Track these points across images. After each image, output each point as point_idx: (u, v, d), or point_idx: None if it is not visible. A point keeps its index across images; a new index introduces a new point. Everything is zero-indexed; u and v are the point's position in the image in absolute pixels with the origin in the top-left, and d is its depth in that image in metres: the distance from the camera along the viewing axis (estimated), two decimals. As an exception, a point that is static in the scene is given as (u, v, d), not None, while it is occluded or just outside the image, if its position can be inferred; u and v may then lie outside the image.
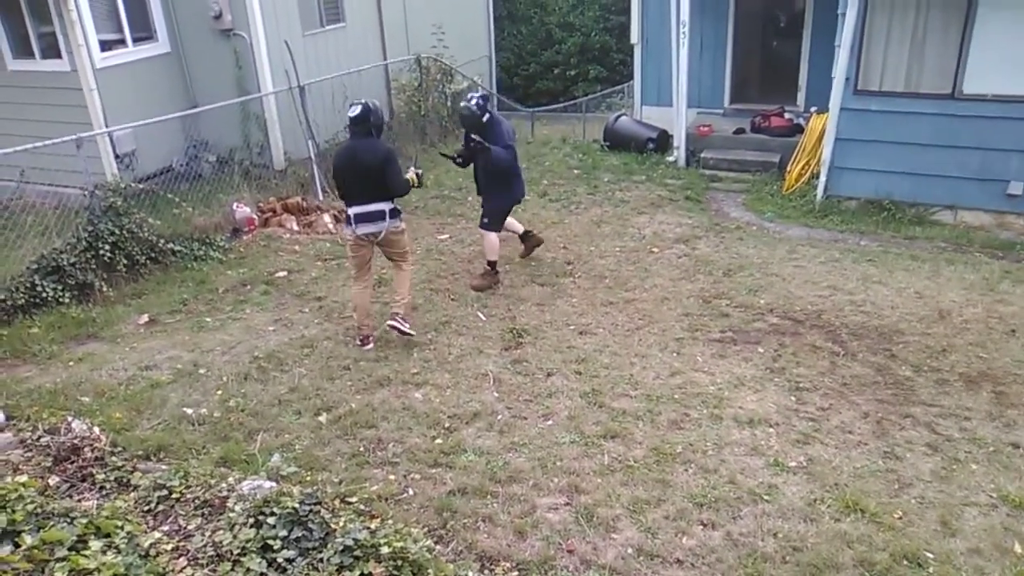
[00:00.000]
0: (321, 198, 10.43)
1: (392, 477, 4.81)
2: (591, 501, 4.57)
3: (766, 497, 4.59)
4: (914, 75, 9.09)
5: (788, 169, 10.72)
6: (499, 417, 5.46)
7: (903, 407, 5.55)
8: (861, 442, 5.14)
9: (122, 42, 10.66)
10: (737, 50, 12.76)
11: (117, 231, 7.77)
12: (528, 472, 4.84)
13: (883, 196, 9.51)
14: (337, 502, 4.28)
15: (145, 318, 7.21)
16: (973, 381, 5.88)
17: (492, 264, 7.77)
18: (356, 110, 6.26)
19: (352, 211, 6.38)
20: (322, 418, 5.48)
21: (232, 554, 3.64)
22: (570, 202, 10.34)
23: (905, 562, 4.08)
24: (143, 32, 10.96)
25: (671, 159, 11.98)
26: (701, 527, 4.37)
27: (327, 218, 9.66)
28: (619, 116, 13.24)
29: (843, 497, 4.57)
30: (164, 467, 4.68)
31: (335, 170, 6.63)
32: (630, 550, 4.19)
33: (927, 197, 9.42)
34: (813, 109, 11.01)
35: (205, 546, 3.74)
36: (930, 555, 4.14)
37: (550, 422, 5.41)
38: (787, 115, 11.77)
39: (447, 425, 5.38)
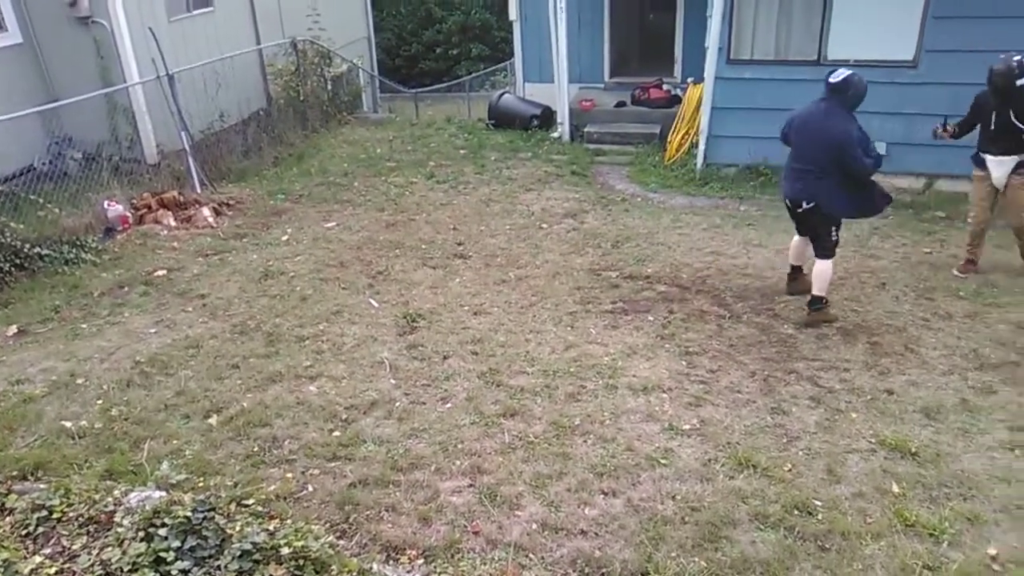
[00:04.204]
0: (199, 191, 10.02)
1: (290, 475, 4.68)
2: (494, 481, 4.58)
3: (663, 461, 4.71)
4: (783, 43, 9.44)
5: (669, 140, 10.98)
6: (397, 404, 5.40)
7: (787, 363, 5.80)
8: (750, 400, 5.34)
9: (-34, 34, 9.92)
10: (615, 24, 12.96)
11: (-25, 238, 7.26)
12: (430, 457, 4.81)
13: (759, 162, 9.84)
14: (232, 506, 4.14)
15: (13, 329, 6.76)
16: (850, 334, 6.19)
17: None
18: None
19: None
20: (212, 420, 5.27)
21: (122, 571, 3.49)
22: (458, 182, 10.29)
23: (796, 512, 4.27)
24: (-11, 23, 10.22)
25: (556, 135, 12.09)
26: (602, 496, 4.44)
27: (206, 211, 9.26)
28: (503, 94, 13.28)
29: (736, 455, 4.73)
30: (43, 486, 4.41)
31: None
32: (535, 525, 4.23)
33: (800, 161, 9.81)
34: (690, 79, 11.30)
35: (92, 566, 3.58)
36: (818, 503, 4.34)
37: (449, 405, 5.39)
38: (665, 87, 12.05)
39: (344, 417, 5.28)
